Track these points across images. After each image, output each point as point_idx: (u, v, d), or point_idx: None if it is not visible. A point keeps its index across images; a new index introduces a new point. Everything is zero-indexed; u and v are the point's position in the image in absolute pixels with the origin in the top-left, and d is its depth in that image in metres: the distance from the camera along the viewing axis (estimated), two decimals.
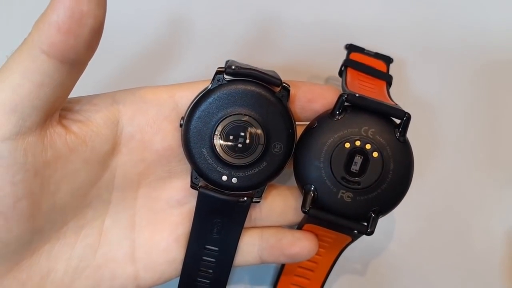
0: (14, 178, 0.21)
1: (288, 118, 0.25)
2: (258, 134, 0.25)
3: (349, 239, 0.27)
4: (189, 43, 0.35)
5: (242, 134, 0.25)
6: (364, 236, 0.26)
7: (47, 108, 0.22)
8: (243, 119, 0.25)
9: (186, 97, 0.26)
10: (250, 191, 0.26)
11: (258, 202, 0.26)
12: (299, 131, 0.26)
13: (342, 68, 0.31)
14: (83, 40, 0.21)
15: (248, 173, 0.25)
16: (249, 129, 0.25)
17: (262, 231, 0.28)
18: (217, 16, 0.35)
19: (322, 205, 0.25)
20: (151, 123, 0.26)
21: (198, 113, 0.25)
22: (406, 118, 0.25)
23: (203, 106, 0.25)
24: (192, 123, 0.25)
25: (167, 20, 0.35)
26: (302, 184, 0.26)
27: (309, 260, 0.29)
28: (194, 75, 0.31)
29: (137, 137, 0.26)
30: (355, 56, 0.32)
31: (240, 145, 0.25)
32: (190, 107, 0.25)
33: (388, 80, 0.31)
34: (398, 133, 0.25)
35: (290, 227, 0.29)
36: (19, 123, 0.21)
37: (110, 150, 0.25)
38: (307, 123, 0.27)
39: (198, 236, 0.27)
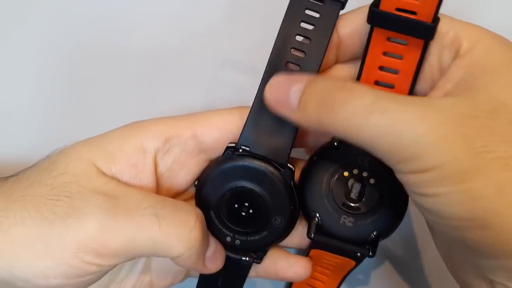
0: None
1: (291, 196, 0.27)
2: (261, 206, 0.27)
3: (353, 263, 0.29)
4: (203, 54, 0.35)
5: (246, 204, 0.28)
6: None
7: None
8: (249, 191, 0.27)
9: (207, 135, 0.28)
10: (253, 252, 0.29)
11: (259, 263, 0.29)
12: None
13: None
14: None
15: (250, 238, 0.28)
16: (253, 200, 0.27)
17: None
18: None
19: (326, 231, 0.27)
20: (177, 160, 0.28)
21: (209, 180, 0.28)
22: None
23: (214, 175, 0.27)
24: (204, 188, 0.28)
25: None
26: (307, 211, 0.28)
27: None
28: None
29: (166, 175, 0.28)
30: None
31: (243, 214, 0.28)
32: (203, 173, 0.28)
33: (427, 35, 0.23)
34: None
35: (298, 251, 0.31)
36: None
37: None
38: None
39: (205, 285, 0.30)
